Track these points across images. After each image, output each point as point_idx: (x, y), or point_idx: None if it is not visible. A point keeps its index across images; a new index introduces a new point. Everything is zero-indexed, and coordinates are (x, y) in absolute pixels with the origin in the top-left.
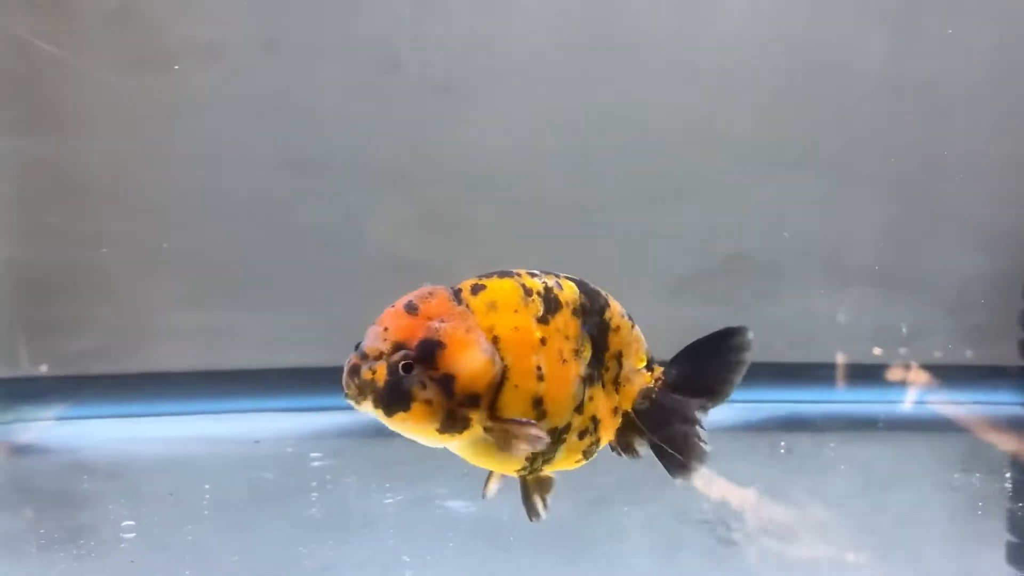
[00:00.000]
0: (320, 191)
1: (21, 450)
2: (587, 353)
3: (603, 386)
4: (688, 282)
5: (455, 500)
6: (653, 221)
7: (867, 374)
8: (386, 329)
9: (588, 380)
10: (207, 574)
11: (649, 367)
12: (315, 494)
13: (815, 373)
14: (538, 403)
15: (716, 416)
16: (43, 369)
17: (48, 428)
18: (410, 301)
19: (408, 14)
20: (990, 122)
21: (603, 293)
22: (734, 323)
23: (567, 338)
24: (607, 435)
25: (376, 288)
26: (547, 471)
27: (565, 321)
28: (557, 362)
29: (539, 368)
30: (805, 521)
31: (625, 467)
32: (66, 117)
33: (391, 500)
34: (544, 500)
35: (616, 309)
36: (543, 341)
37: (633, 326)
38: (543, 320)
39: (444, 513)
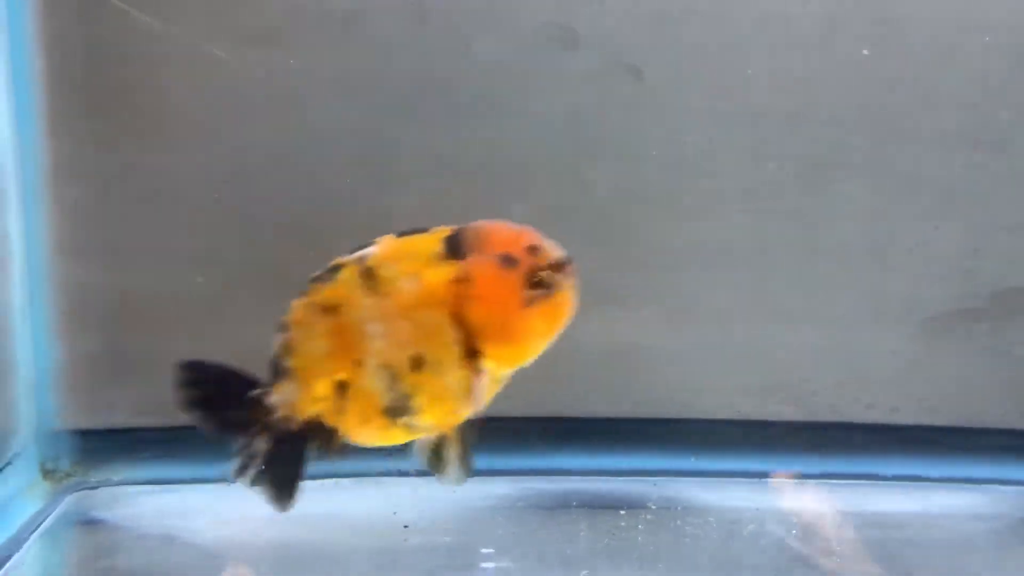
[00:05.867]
0: (478, 197)
1: (104, 525)
2: None
3: None
4: (943, 321)
5: None
6: (901, 240)
7: None
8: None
9: None
10: None
11: None
12: None
13: None
14: None
15: (970, 501)
16: (137, 418)
17: (140, 495)
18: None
19: None
20: None
21: None
22: (1001, 377)
23: None
24: None
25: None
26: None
27: None
28: None
29: None
30: None
31: None
32: (167, 105)
33: None
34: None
35: None
36: None
37: None
38: None
39: None
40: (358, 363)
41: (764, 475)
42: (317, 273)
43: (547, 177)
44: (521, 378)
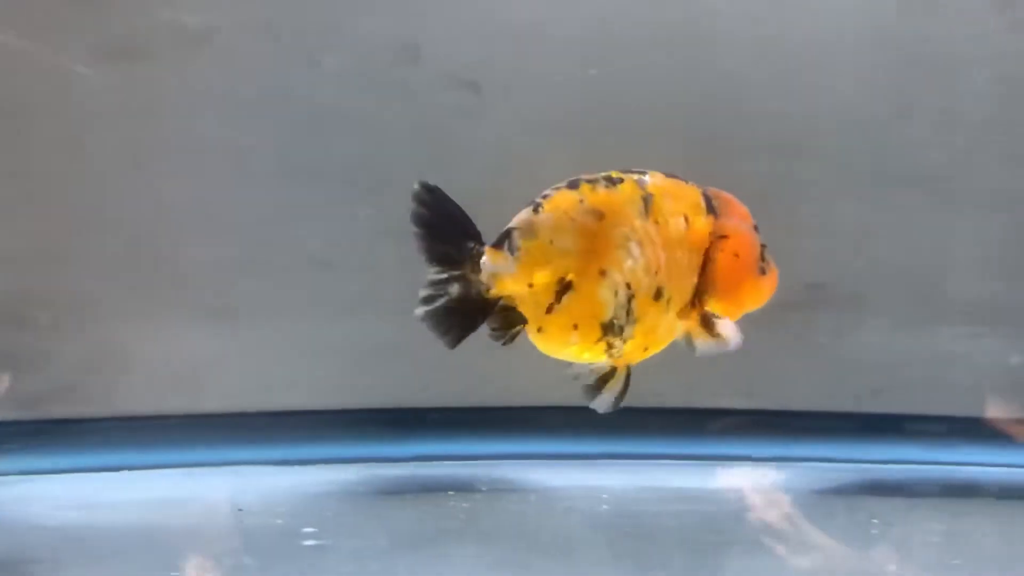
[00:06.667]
0: (325, 202)
1: None
2: None
3: None
4: (761, 312)
5: None
6: None
7: (970, 430)
8: None
9: None
10: None
11: None
12: None
13: (905, 427)
14: None
15: (782, 478)
16: (3, 412)
17: (1, 485)
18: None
19: None
20: None
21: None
22: (809, 363)
23: None
24: None
25: (391, 317)
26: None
27: None
28: None
29: None
30: None
31: None
32: (25, 117)
33: None
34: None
35: None
36: None
37: None
38: None
39: None
40: (602, 272)
41: (589, 457)
42: (592, 176)
43: (394, 183)
44: (360, 370)
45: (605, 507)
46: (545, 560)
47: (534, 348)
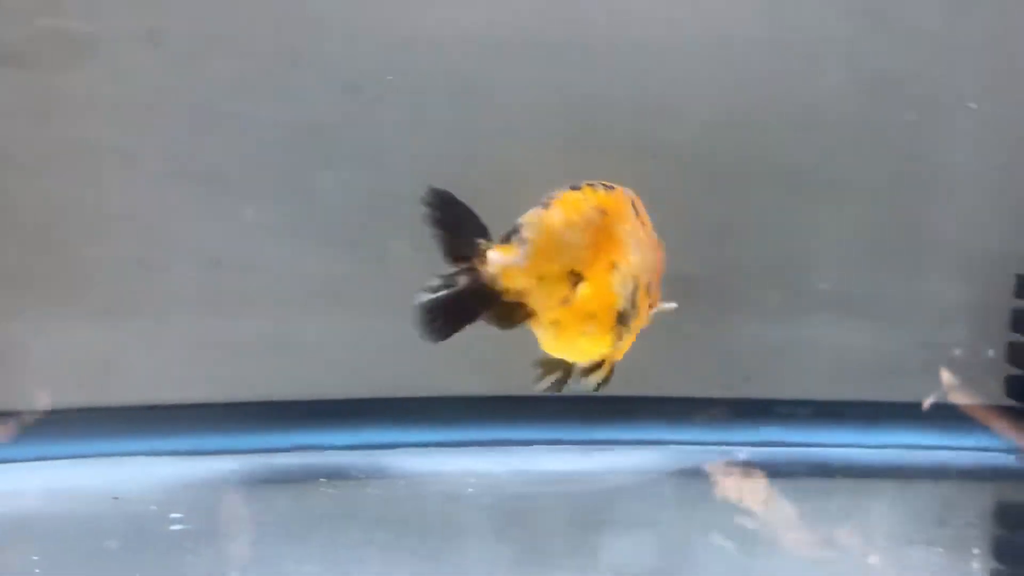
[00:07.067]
0: (212, 203)
1: None
2: None
3: None
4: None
5: None
6: None
7: (829, 413)
8: None
9: None
10: None
11: None
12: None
13: (773, 411)
14: None
15: (655, 460)
16: None
17: None
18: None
19: (311, 1)
20: (978, 128)
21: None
22: (681, 352)
23: None
24: None
25: (279, 313)
26: None
27: None
28: None
29: None
30: None
31: None
32: None
33: None
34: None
35: None
36: None
37: None
38: None
39: None
40: (613, 264)
41: (457, 444)
42: (589, 181)
43: (278, 183)
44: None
45: (471, 490)
46: (431, 543)
47: (400, 342)
